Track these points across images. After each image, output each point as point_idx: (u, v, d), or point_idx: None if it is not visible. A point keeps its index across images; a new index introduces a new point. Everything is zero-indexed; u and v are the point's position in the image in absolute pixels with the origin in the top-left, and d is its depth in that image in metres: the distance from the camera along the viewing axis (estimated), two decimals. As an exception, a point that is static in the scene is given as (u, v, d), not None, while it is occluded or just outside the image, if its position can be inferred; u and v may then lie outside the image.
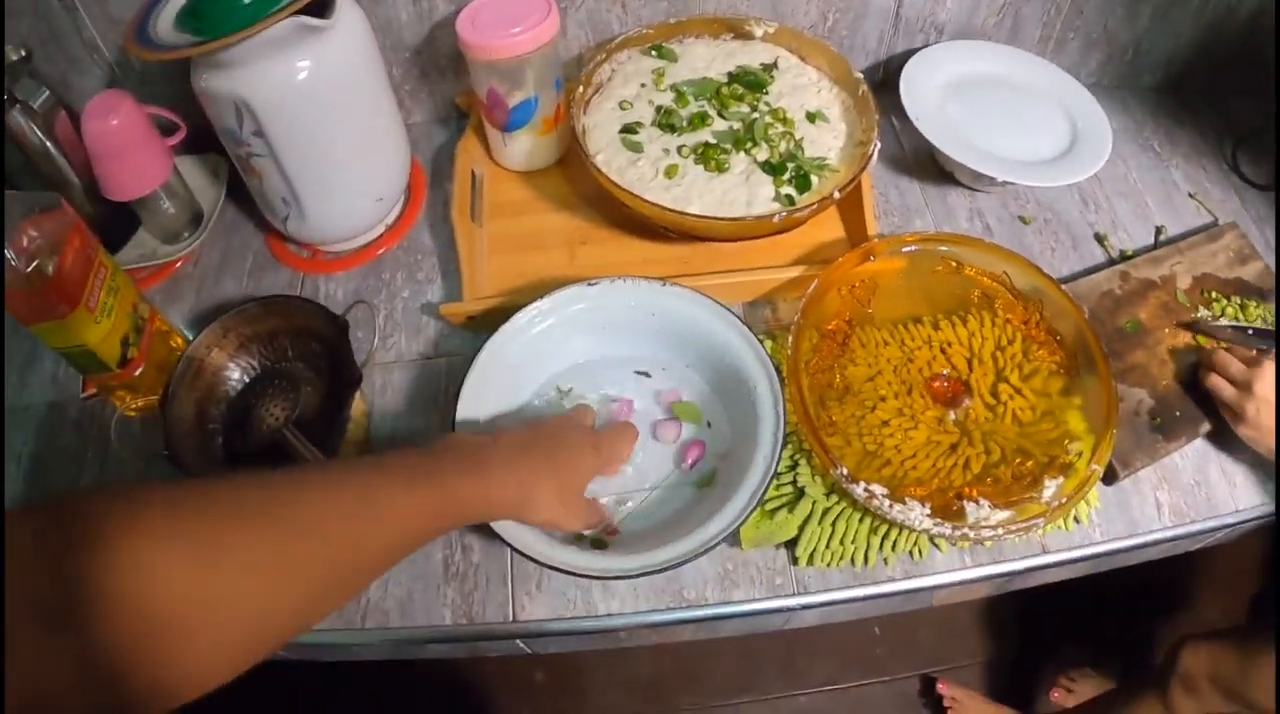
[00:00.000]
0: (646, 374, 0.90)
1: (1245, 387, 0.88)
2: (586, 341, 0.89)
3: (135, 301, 0.86)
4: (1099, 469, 0.83)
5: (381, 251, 1.02)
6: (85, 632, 0.37)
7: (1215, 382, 0.90)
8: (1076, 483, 0.83)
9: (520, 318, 0.85)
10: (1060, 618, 1.71)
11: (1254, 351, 0.93)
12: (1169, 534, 0.91)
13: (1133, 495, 0.91)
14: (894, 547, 0.85)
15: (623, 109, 0.98)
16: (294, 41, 0.80)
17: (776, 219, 0.87)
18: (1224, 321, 0.98)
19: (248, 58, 0.80)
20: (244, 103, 0.82)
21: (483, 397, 0.82)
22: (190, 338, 0.89)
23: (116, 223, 1.00)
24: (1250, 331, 0.98)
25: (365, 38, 0.88)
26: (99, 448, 0.90)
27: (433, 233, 1.03)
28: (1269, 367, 0.88)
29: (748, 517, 0.77)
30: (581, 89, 0.97)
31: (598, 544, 0.79)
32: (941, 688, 1.67)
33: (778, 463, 0.79)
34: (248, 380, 0.90)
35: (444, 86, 1.09)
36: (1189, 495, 0.92)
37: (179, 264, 1.02)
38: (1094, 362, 0.89)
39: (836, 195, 0.88)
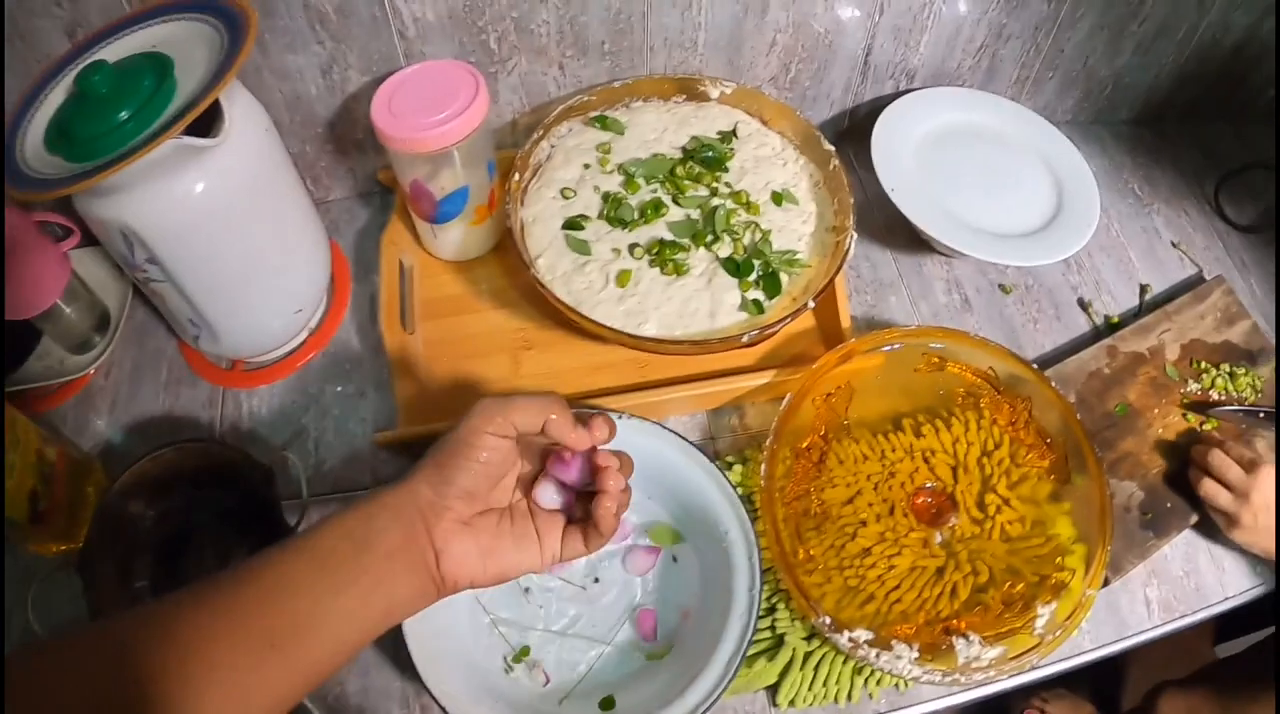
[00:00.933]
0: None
1: (1243, 495, 0.84)
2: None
3: (39, 447, 0.75)
4: (1094, 593, 0.78)
5: (308, 358, 0.91)
6: None
7: (1210, 489, 0.86)
8: (1070, 608, 0.78)
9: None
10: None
11: (1248, 452, 0.87)
12: (1160, 631, 0.88)
13: (1122, 596, 0.87)
14: (879, 682, 0.80)
15: (565, 197, 0.87)
16: (182, 159, 0.69)
17: (745, 339, 0.78)
18: (1221, 407, 0.93)
19: (131, 182, 0.69)
20: (131, 231, 0.71)
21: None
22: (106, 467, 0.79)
23: (15, 337, 0.88)
24: (1260, 415, 0.93)
25: (264, 142, 0.77)
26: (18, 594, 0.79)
27: (361, 335, 0.93)
28: (1266, 473, 0.84)
29: (723, 690, 0.71)
30: (518, 176, 0.86)
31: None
32: None
33: (754, 626, 0.72)
34: (172, 529, 0.80)
35: (364, 161, 0.98)
36: (1178, 588, 0.89)
37: (90, 375, 0.91)
38: (1085, 463, 0.84)
39: (811, 304, 0.80)
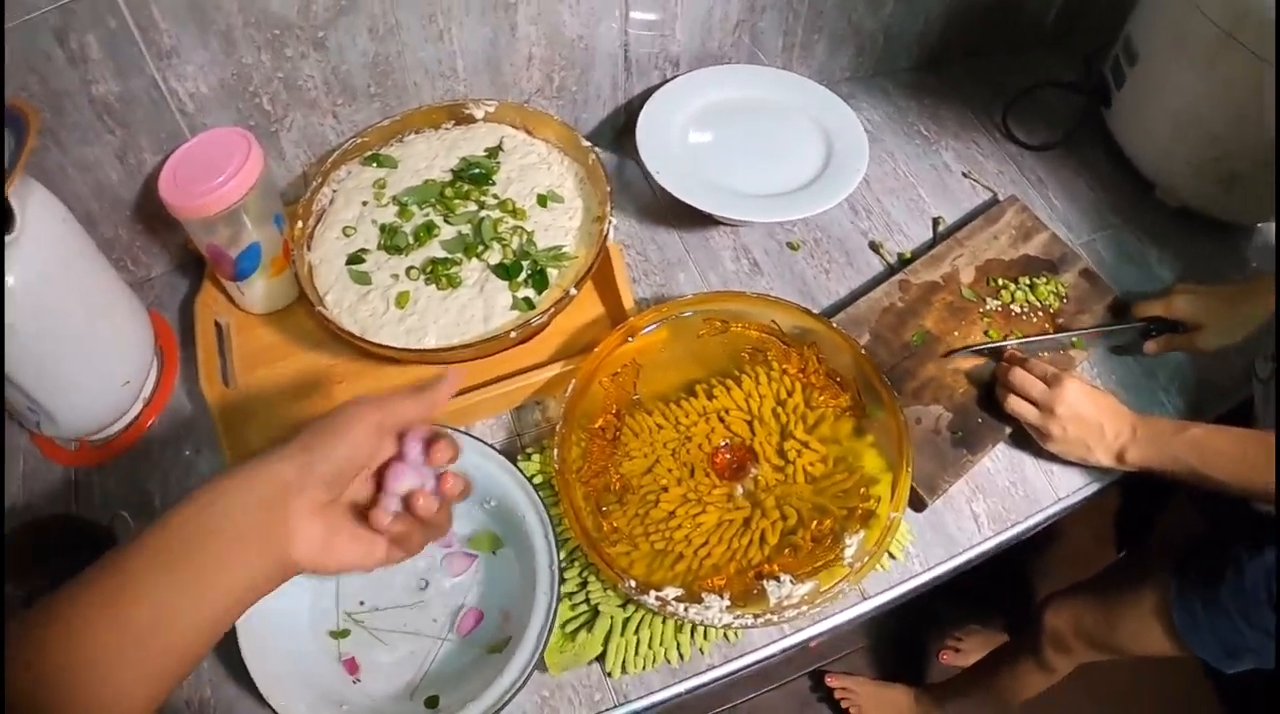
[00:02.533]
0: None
1: (1048, 409, 0.87)
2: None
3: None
4: (899, 515, 0.81)
5: (147, 427, 0.96)
6: None
7: (1016, 406, 0.89)
8: (878, 533, 0.80)
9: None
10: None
11: (1049, 367, 0.90)
12: (993, 542, 0.90)
13: (947, 514, 0.89)
14: (705, 636, 0.82)
15: (347, 235, 0.92)
16: None
17: (513, 335, 0.82)
18: (988, 344, 0.96)
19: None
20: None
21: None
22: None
23: None
24: (1011, 345, 0.95)
25: (63, 232, 0.81)
26: None
27: (192, 399, 0.97)
28: (1068, 385, 0.86)
29: (531, 669, 0.74)
30: (301, 223, 0.91)
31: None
32: (831, 681, 1.68)
33: (557, 598, 0.76)
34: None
35: (173, 235, 1.03)
36: (1005, 498, 0.91)
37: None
38: (878, 395, 0.86)
39: (573, 292, 0.84)
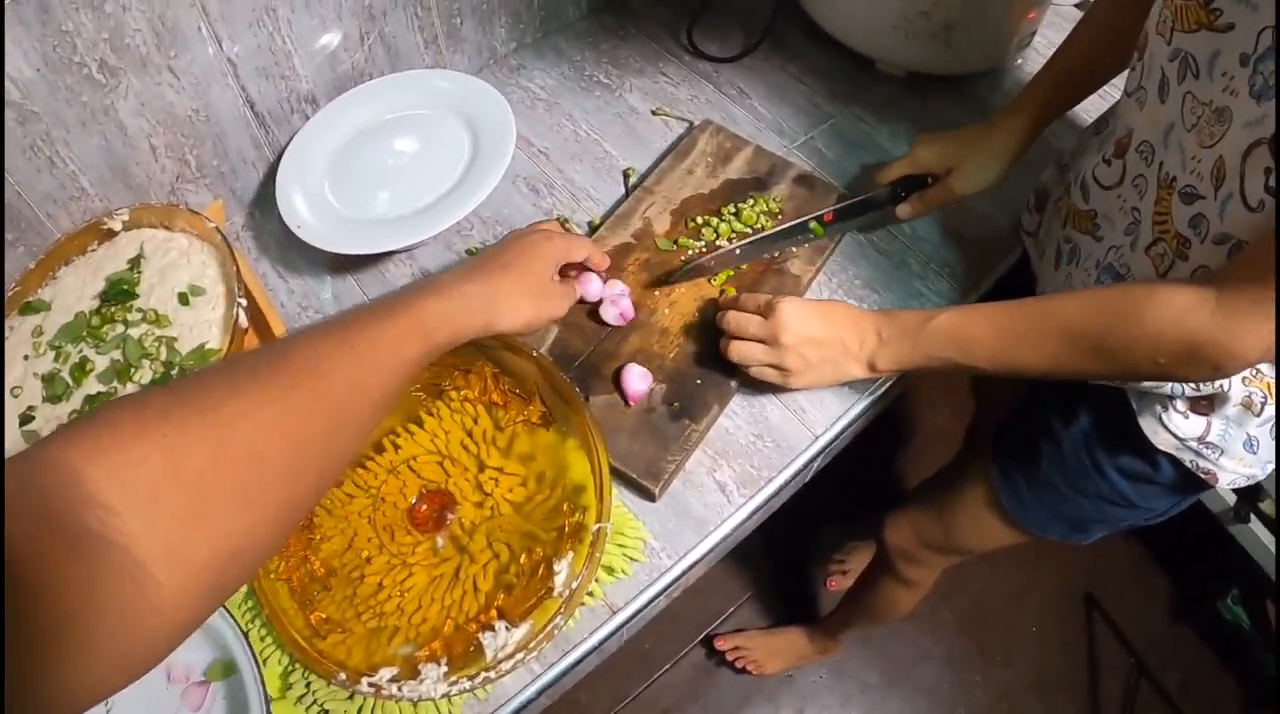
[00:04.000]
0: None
1: (773, 341, 0.79)
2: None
3: None
4: (603, 525, 0.75)
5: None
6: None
7: (741, 351, 0.81)
8: (584, 553, 0.75)
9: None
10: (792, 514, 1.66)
11: (758, 298, 0.82)
12: (750, 506, 0.84)
13: (688, 494, 0.83)
14: (450, 701, 0.78)
15: (15, 396, 0.89)
16: None
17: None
18: (716, 251, 0.88)
19: None
20: None
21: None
22: None
23: None
24: (737, 252, 0.88)
25: None
26: None
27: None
28: (786, 306, 0.78)
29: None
30: (-29, 394, 0.89)
31: None
32: (720, 644, 1.64)
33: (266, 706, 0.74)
34: None
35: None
36: (753, 456, 0.85)
37: None
38: (563, 396, 0.80)
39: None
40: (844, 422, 0.85)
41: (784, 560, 1.70)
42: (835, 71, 1.05)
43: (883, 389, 0.86)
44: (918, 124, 0.99)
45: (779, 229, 0.88)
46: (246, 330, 0.85)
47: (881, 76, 1.03)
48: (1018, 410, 0.94)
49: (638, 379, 0.83)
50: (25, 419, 0.87)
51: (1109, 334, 0.66)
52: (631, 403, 0.83)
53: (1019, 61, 1.06)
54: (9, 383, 0.90)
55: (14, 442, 0.87)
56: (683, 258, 0.89)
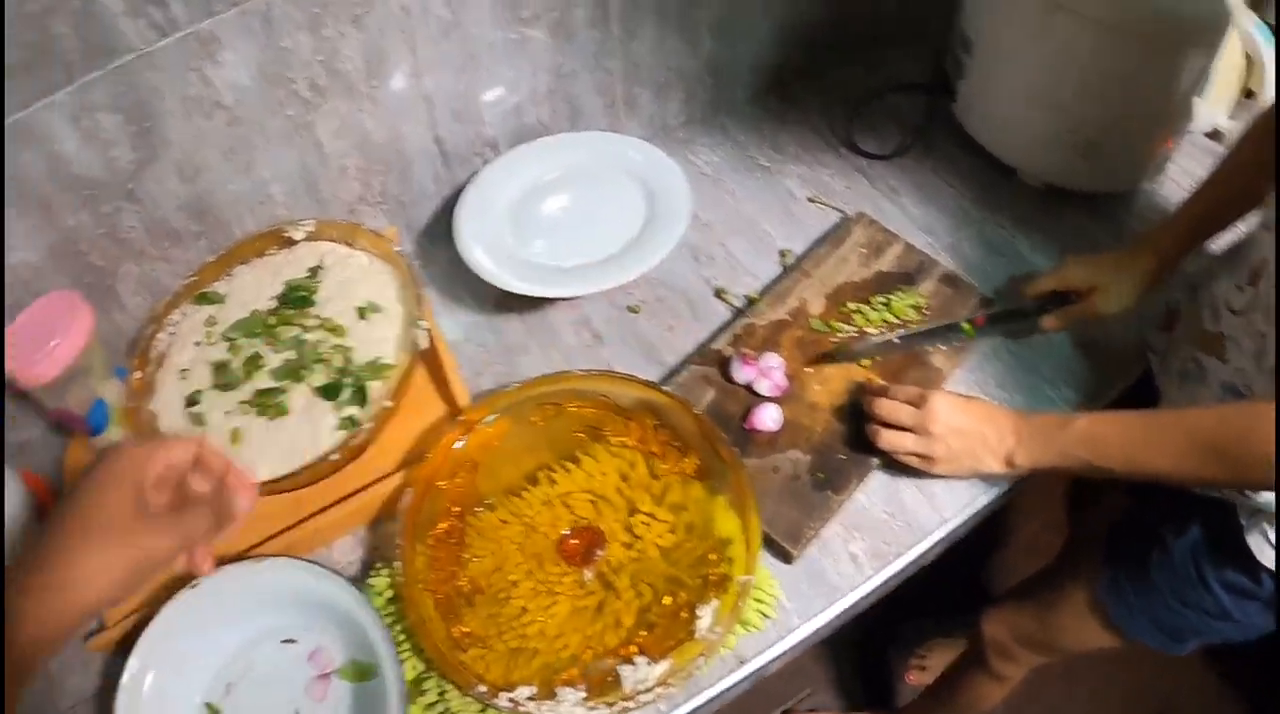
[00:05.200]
0: (293, 640, 0.87)
1: (923, 431, 0.85)
2: (222, 634, 0.86)
3: None
4: (749, 578, 0.80)
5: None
6: None
7: (891, 439, 0.87)
8: (730, 601, 0.79)
9: (130, 668, 0.82)
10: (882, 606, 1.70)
11: (910, 388, 0.88)
12: (878, 580, 0.88)
13: (823, 561, 0.88)
14: (576, 731, 0.81)
15: (183, 378, 0.94)
16: None
17: (334, 458, 0.83)
18: (870, 338, 0.94)
19: None
20: None
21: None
22: None
23: None
24: (895, 341, 0.94)
25: None
26: None
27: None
28: (937, 399, 0.85)
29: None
30: (140, 373, 0.94)
31: None
32: None
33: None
34: None
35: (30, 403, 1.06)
36: (885, 532, 0.89)
37: None
38: (719, 453, 0.85)
39: (387, 404, 0.85)
40: (971, 510, 0.90)
41: (866, 648, 1.72)
42: (980, 178, 1.13)
43: (1009, 485, 0.91)
44: (1054, 236, 1.06)
45: (935, 326, 0.95)
46: (423, 351, 0.90)
47: (1022, 186, 1.11)
48: (1130, 518, 0.99)
49: (769, 419, 0.90)
50: (191, 401, 0.92)
51: (1233, 446, 0.72)
52: (750, 430, 0.90)
53: (1153, 184, 1.14)
54: (179, 364, 0.95)
55: (177, 419, 0.92)
56: (834, 340, 0.95)
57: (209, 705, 0.85)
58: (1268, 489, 0.78)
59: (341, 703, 0.84)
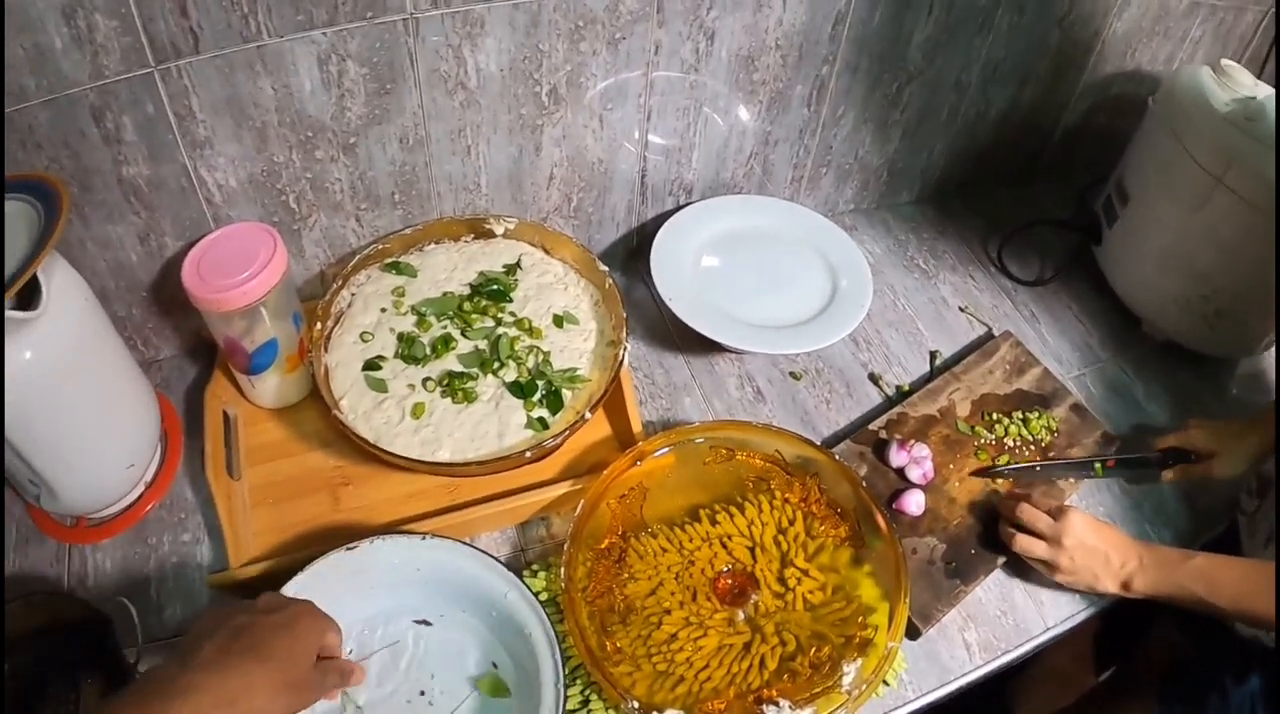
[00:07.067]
0: (426, 622, 0.90)
1: (1056, 542, 0.93)
2: (357, 602, 0.88)
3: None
4: (896, 644, 0.86)
5: (147, 510, 0.99)
6: None
7: (1025, 543, 0.94)
8: (875, 662, 0.85)
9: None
10: None
11: (1052, 500, 0.96)
12: (984, 670, 0.95)
13: (939, 643, 0.94)
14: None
15: (364, 341, 0.97)
16: (9, 331, 0.77)
17: (528, 455, 0.87)
18: (1016, 463, 1.03)
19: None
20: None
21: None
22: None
23: None
24: (1037, 467, 1.02)
25: (85, 311, 0.85)
26: None
27: (194, 486, 1.01)
28: (1073, 515, 0.93)
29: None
30: (320, 325, 0.96)
31: None
32: None
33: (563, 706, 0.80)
34: (23, 682, 0.86)
35: (187, 321, 1.07)
36: (996, 627, 0.96)
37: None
38: (877, 526, 0.92)
39: (588, 416, 0.90)
40: (1073, 622, 0.98)
41: None
42: (1109, 320, 1.23)
43: (1107, 603, 0.99)
44: (1167, 390, 1.17)
45: (1071, 461, 1.05)
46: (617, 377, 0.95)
47: (1143, 337, 1.21)
48: (1193, 660, 1.09)
49: (914, 504, 0.98)
50: (373, 365, 0.95)
51: None
52: (897, 511, 0.99)
53: (1259, 356, 1.24)
54: (362, 326, 0.98)
55: (356, 379, 0.95)
56: (977, 444, 1.04)
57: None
58: None
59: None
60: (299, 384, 1.02)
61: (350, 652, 0.88)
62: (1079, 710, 1.21)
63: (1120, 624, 1.48)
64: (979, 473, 1.03)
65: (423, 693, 0.87)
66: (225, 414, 1.02)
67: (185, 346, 1.11)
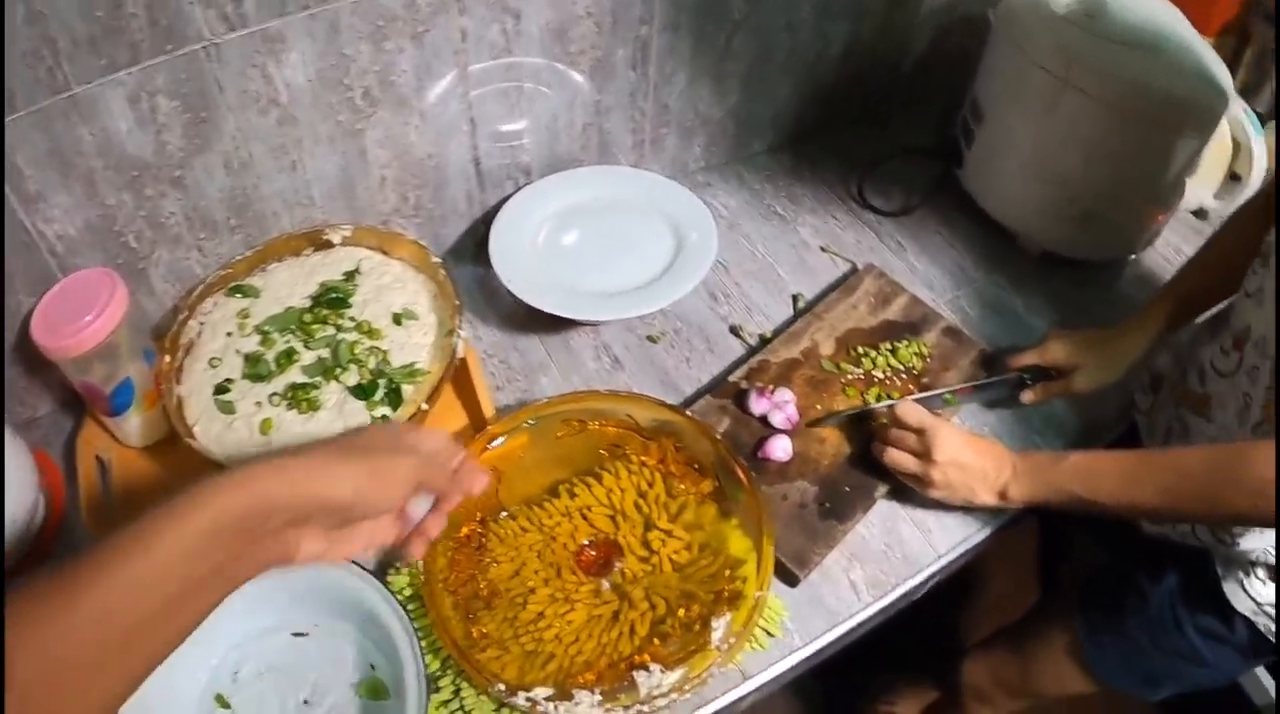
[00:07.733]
0: (304, 634, 0.90)
1: (926, 456, 0.92)
2: (233, 624, 0.89)
3: None
4: (764, 594, 0.85)
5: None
6: None
7: (895, 458, 0.93)
8: (745, 614, 0.85)
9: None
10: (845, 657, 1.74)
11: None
12: (875, 608, 0.94)
13: (823, 586, 0.94)
14: (585, 734, 0.86)
15: (213, 366, 0.98)
16: None
17: (366, 454, 0.87)
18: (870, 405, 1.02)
19: None
20: None
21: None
22: None
23: None
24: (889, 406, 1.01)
25: None
26: None
27: (82, 535, 1.01)
28: (944, 431, 0.91)
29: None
30: (169, 357, 0.97)
31: None
32: None
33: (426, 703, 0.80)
34: None
35: (56, 375, 1.07)
36: (883, 563, 0.95)
37: None
38: (737, 478, 0.91)
39: (424, 407, 0.90)
40: (963, 547, 0.97)
41: (833, 696, 1.76)
42: (980, 241, 1.22)
43: (998, 525, 0.99)
44: (1051, 302, 1.16)
45: (921, 396, 1.03)
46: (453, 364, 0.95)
47: (1019, 252, 1.20)
48: (1106, 566, 1.08)
49: (780, 449, 0.97)
50: (221, 389, 0.96)
51: (1219, 482, 0.79)
52: (763, 459, 0.98)
53: (1141, 255, 1.24)
54: (210, 353, 0.99)
55: (207, 404, 0.95)
56: (844, 380, 1.03)
57: (218, 696, 0.88)
58: (1251, 524, 0.85)
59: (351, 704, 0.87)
60: (162, 419, 1.03)
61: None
62: (1010, 635, 1.20)
63: (1057, 544, 1.48)
64: (813, 424, 1.01)
65: (306, 702, 0.88)
66: (99, 460, 1.04)
67: (58, 400, 1.12)
